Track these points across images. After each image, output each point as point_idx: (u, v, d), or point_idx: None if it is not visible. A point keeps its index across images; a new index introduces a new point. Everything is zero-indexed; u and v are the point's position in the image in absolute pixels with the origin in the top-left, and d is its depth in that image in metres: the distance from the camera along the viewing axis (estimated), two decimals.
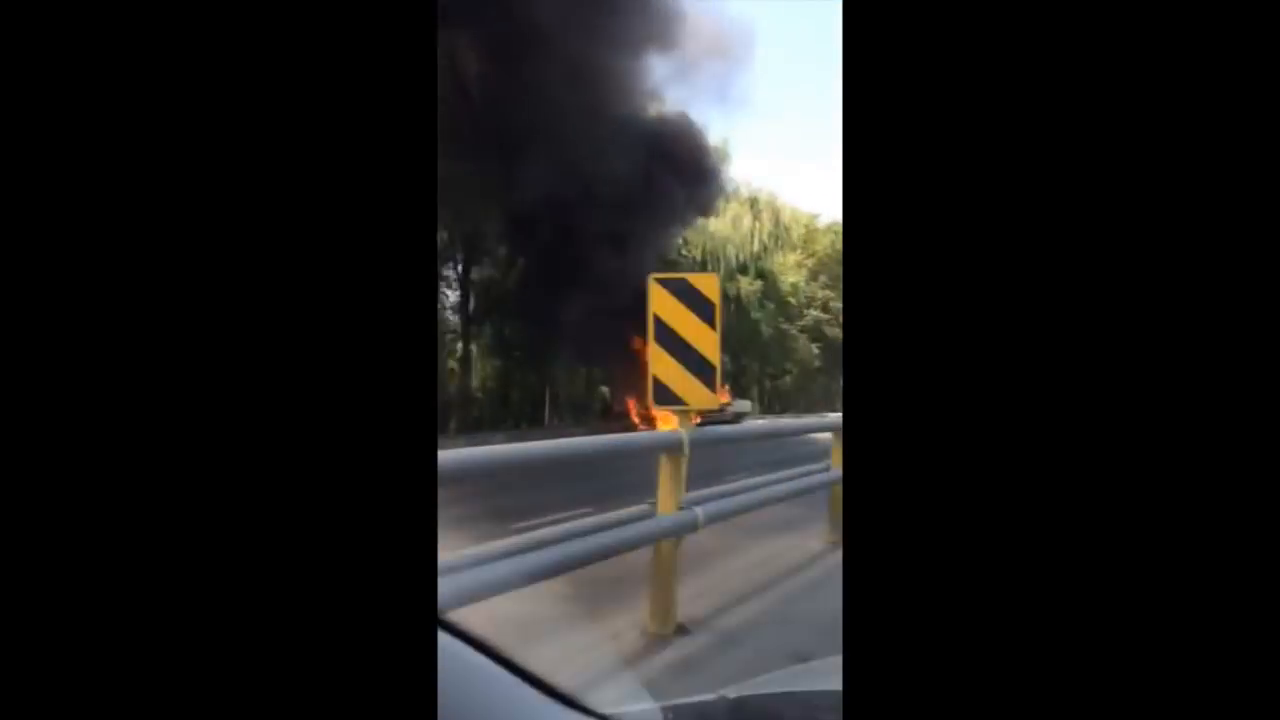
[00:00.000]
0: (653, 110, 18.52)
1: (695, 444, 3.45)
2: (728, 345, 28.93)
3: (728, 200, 27.98)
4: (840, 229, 34.10)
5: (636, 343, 22.57)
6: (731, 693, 0.95)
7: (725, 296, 27.20)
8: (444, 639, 0.61)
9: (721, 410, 16.60)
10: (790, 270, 32.84)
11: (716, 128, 31.57)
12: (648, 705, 0.88)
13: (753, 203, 28.57)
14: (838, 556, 3.88)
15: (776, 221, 29.00)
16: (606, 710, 0.77)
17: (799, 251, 34.81)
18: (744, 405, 13.79)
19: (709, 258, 25.64)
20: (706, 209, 21.47)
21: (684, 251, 24.62)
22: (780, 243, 29.76)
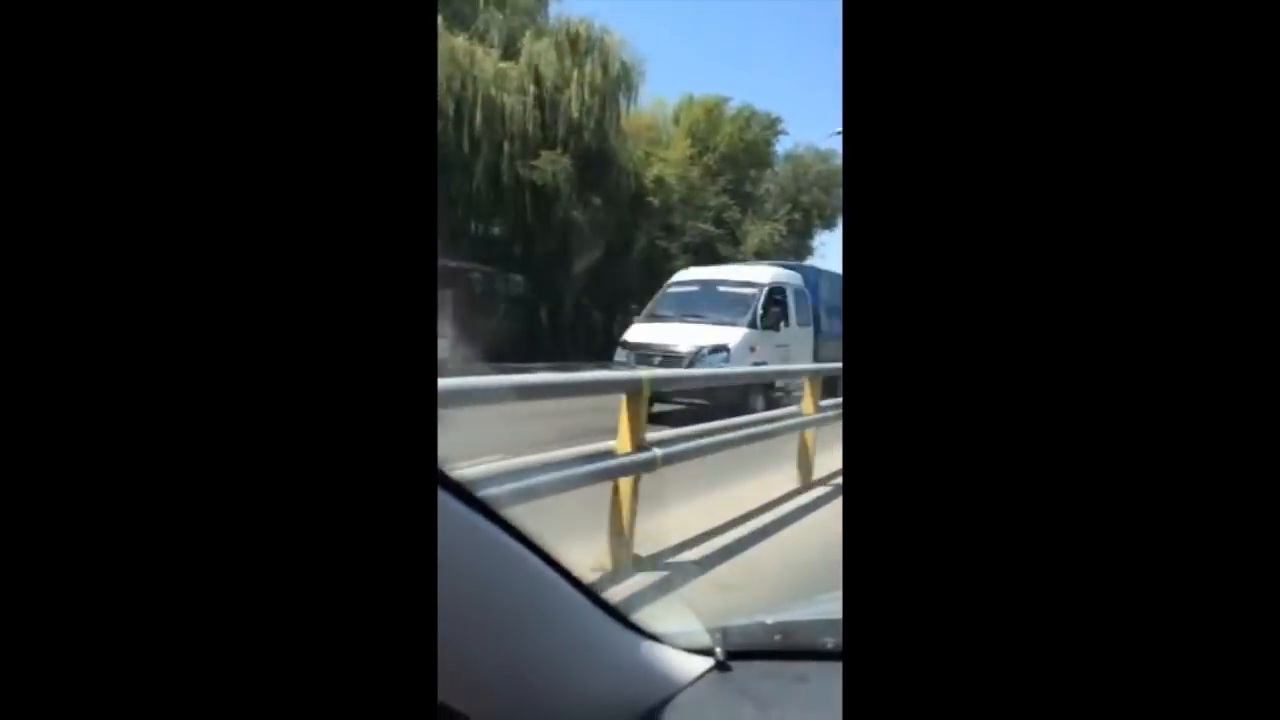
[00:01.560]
0: None
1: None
2: (534, 266, 19.41)
3: (537, 37, 18.14)
4: (750, 114, 24.41)
5: None
6: (769, 619, 1.00)
7: (518, 183, 17.59)
8: (549, 575, 0.68)
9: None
10: (672, 164, 22.91)
11: None
12: (694, 627, 0.93)
13: (573, 41, 18.08)
14: None
15: (606, 70, 18.23)
16: (656, 630, 0.85)
17: (691, 142, 24.92)
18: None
19: (483, 109, 15.40)
20: None
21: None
22: (612, 104, 18.79)
